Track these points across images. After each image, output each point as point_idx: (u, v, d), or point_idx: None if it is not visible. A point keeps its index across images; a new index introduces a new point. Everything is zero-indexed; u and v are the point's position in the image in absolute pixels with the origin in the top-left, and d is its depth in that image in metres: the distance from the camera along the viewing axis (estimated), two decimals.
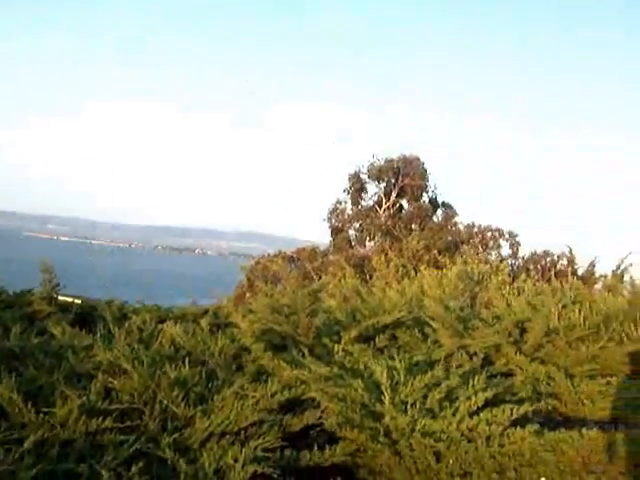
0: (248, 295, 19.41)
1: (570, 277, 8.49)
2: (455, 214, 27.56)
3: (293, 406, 3.50)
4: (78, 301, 7.44)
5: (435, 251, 17.98)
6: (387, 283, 10.25)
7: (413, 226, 25.33)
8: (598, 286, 10.43)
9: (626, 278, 8.62)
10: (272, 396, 3.33)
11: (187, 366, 3.60)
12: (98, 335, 4.34)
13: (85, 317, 6.37)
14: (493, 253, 22.42)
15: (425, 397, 3.57)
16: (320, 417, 3.41)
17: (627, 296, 7.57)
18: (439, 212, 28.30)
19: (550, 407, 4.78)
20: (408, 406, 3.38)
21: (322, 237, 30.18)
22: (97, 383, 3.37)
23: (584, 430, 4.14)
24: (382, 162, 27.26)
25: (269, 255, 28.40)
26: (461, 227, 26.12)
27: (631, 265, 8.77)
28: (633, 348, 5.86)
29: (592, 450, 3.94)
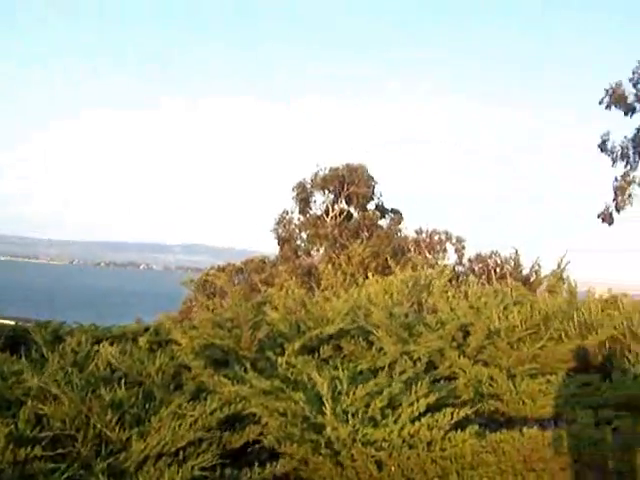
0: (195, 310, 19.16)
1: (510, 278, 8.72)
2: (402, 219, 28.03)
3: (234, 423, 3.47)
4: (11, 323, 7.17)
5: (383, 258, 18.20)
6: (335, 292, 10.29)
7: (361, 234, 25.59)
8: (544, 286, 10.73)
9: (569, 276, 8.90)
10: (211, 414, 3.30)
11: (123, 388, 3.53)
12: (29, 359, 4.20)
13: (18, 340, 6.14)
14: (440, 257, 22.87)
15: (367, 406, 3.60)
16: (261, 433, 3.40)
17: (565, 296, 7.85)
18: (387, 218, 28.72)
19: (492, 408, 4.91)
20: (349, 416, 3.40)
21: (273, 248, 30.23)
22: (26, 410, 3.26)
23: (525, 429, 4.27)
24: (326, 171, 27.54)
25: (218, 267, 28.20)
26: (408, 232, 26.61)
27: (569, 263, 9.06)
28: (571, 346, 6.09)
29: (533, 448, 4.06)
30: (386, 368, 4.73)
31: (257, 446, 3.38)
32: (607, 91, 29.21)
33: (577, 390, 5.31)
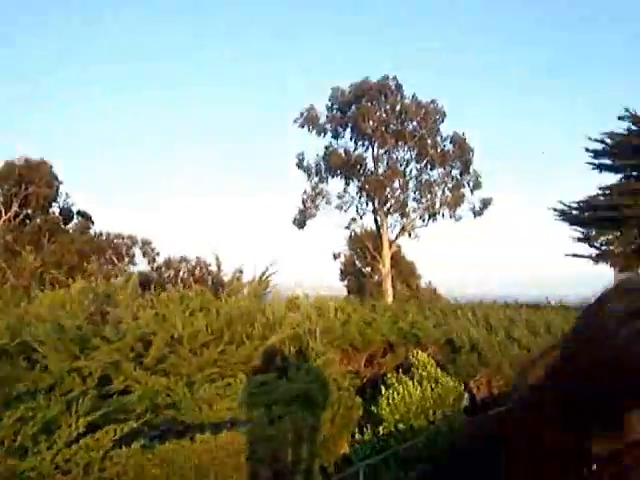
0: None
1: (197, 285, 8.99)
2: (92, 223, 26.74)
3: None
4: None
5: (67, 266, 17.11)
6: None
7: (42, 240, 23.66)
8: (245, 291, 11.29)
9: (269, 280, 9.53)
10: None
11: None
12: None
13: None
14: (130, 264, 22.49)
15: (16, 434, 3.33)
16: None
17: (252, 299, 8.40)
18: (74, 222, 27.09)
19: (169, 418, 4.99)
20: None
21: None
22: None
23: (198, 435, 4.44)
24: None
25: None
26: (101, 238, 25.51)
27: (275, 272, 9.72)
28: (252, 348, 6.54)
29: (204, 453, 4.24)
30: (48, 389, 4.46)
31: None
32: (302, 113, 32.96)
33: (255, 390, 5.72)
